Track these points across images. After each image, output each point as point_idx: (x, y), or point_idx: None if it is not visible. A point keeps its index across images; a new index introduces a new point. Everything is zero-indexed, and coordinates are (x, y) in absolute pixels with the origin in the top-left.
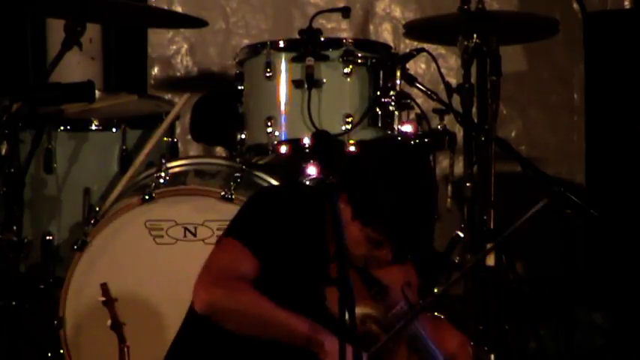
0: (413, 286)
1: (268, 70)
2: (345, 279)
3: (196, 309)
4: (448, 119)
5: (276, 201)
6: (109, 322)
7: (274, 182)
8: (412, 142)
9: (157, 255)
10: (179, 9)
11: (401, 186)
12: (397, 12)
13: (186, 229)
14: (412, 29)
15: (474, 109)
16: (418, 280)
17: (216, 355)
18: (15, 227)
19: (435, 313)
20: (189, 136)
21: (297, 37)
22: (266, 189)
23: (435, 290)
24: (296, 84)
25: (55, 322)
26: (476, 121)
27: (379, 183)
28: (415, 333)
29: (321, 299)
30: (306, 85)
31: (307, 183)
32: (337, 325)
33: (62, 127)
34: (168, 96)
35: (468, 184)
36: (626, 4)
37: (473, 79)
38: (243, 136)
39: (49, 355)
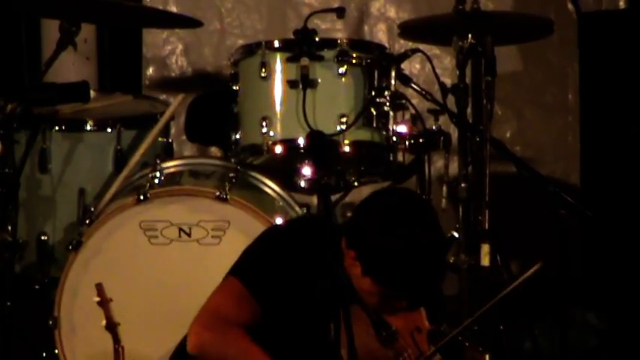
0: (423, 332)
1: (263, 70)
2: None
3: (187, 349)
4: (443, 119)
5: (285, 242)
6: (104, 322)
7: (269, 182)
8: (414, 195)
9: (152, 255)
10: (174, 9)
11: (407, 240)
12: (392, 12)
13: (180, 229)
14: (407, 29)
15: (468, 110)
16: (429, 325)
17: None
18: (10, 227)
19: (438, 358)
20: (184, 137)
21: (292, 37)
22: (276, 227)
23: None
24: (291, 84)
25: (50, 322)
26: (471, 121)
27: (383, 238)
28: None
29: (330, 343)
30: (300, 86)
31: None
32: None
33: (57, 128)
34: (163, 96)
35: (462, 185)
36: (621, 4)
37: (468, 80)
38: (237, 137)
39: (44, 355)
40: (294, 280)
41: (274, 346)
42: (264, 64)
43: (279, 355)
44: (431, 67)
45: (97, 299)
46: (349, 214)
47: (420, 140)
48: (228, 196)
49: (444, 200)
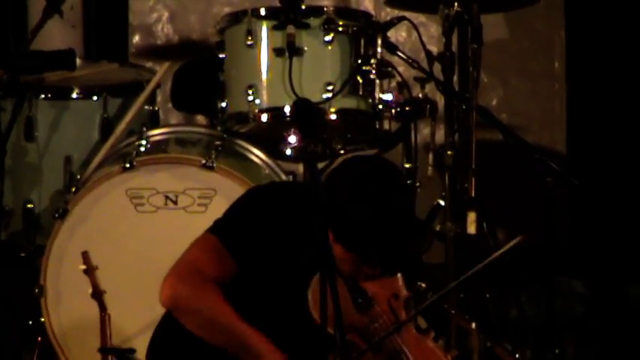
0: (400, 299)
1: (249, 38)
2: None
3: (160, 301)
4: (429, 87)
5: (266, 202)
6: (90, 290)
7: (255, 150)
8: (384, 163)
9: (138, 223)
10: None
11: (375, 207)
12: None
13: (167, 197)
14: None
15: (455, 78)
16: (407, 291)
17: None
18: None
19: (422, 326)
20: (170, 105)
21: (278, 5)
22: (258, 188)
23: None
24: (277, 52)
25: (36, 290)
26: (457, 89)
27: (352, 206)
28: (397, 349)
29: (304, 305)
30: (287, 54)
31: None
32: (318, 331)
33: (43, 96)
34: (149, 64)
35: (449, 152)
36: None
37: (454, 48)
38: (224, 105)
39: (30, 323)
40: (272, 240)
41: (247, 306)
42: (250, 32)
43: (251, 315)
44: (417, 35)
45: (83, 267)
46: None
47: (407, 108)
48: (215, 164)
49: (430, 168)
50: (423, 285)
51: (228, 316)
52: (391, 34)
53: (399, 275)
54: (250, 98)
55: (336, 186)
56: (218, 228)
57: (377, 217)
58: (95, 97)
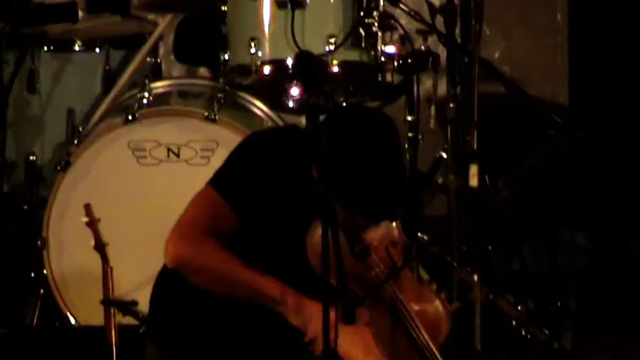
0: (398, 246)
1: None
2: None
3: (166, 263)
4: (431, 40)
5: (264, 150)
6: (92, 242)
7: (258, 103)
8: (377, 114)
9: (140, 175)
10: None
11: (361, 161)
12: None
13: (169, 149)
14: None
15: (457, 30)
16: (404, 239)
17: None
18: None
19: (424, 277)
20: (172, 57)
21: None
22: (255, 135)
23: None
24: (279, 4)
25: (38, 242)
26: (459, 41)
27: (334, 154)
28: (395, 299)
29: (303, 254)
30: (289, 6)
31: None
32: (317, 280)
33: (45, 48)
34: (151, 16)
35: (451, 105)
36: None
37: (456, 0)
38: (226, 57)
39: (32, 275)
40: (271, 189)
41: (247, 257)
42: None
43: (255, 265)
44: None
45: (86, 219)
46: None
47: (409, 61)
48: (217, 117)
49: (432, 121)
50: (425, 237)
51: (236, 267)
52: None
53: (395, 223)
54: (253, 51)
55: (325, 132)
56: (216, 180)
57: (358, 168)
58: (97, 50)
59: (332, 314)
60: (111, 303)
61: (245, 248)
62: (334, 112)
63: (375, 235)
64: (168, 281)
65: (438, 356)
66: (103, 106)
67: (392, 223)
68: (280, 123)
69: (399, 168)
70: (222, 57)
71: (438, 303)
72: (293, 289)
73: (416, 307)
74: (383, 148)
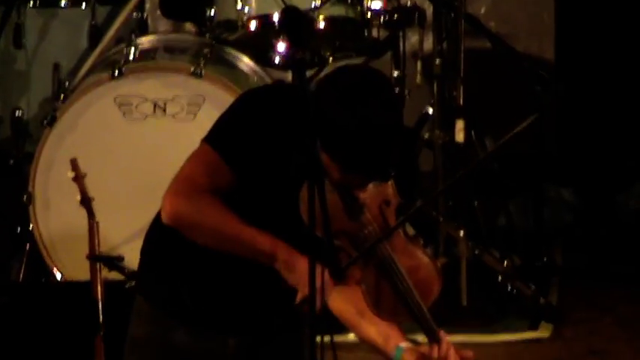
0: (392, 206)
1: None
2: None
3: (162, 220)
4: None
5: (261, 107)
6: (78, 197)
7: (244, 58)
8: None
9: (127, 130)
10: None
11: (359, 118)
12: None
13: (155, 104)
14: None
15: None
16: (398, 198)
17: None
18: None
19: (409, 233)
20: (158, 12)
21: None
22: (252, 92)
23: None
24: None
25: (25, 197)
26: None
27: (337, 115)
28: (386, 256)
29: (297, 209)
30: None
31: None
32: (309, 236)
33: (32, 3)
34: None
35: (437, 61)
36: None
37: None
38: (212, 12)
39: (18, 230)
40: (268, 146)
41: (246, 214)
42: None
43: (251, 222)
44: None
45: (72, 174)
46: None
47: (395, 16)
48: (203, 72)
49: (418, 76)
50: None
51: (232, 223)
52: None
53: (390, 182)
54: (239, 6)
55: (325, 92)
56: (212, 137)
57: (360, 128)
58: (84, 5)
59: (326, 275)
60: (97, 258)
61: (241, 205)
62: (335, 72)
63: (370, 194)
64: (159, 233)
65: (428, 316)
66: (90, 62)
67: (386, 182)
68: (266, 78)
69: (398, 128)
70: (208, 12)
71: (430, 263)
72: (289, 246)
73: (407, 267)
74: (384, 106)
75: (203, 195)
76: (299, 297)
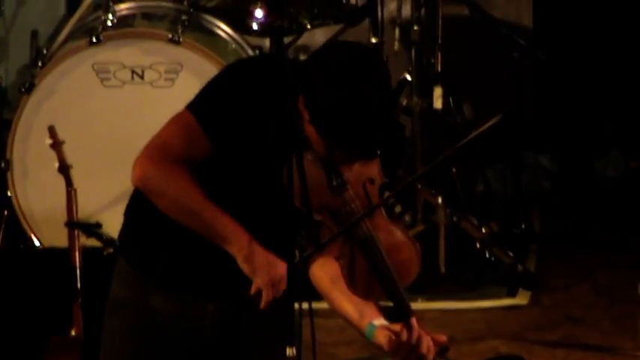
0: (376, 184)
1: None
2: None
3: (131, 181)
4: None
5: (246, 78)
6: (56, 164)
7: (222, 25)
8: (370, 53)
9: (105, 97)
10: None
11: (350, 94)
12: None
13: (133, 71)
14: None
15: None
16: (383, 177)
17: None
18: None
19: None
20: None
21: None
22: (239, 62)
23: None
24: None
25: (2, 164)
26: None
27: (328, 90)
28: (367, 235)
29: (279, 182)
30: None
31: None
32: (289, 210)
33: None
34: None
35: (415, 27)
36: None
37: None
38: None
39: None
40: (249, 118)
41: (221, 185)
42: None
43: (225, 193)
44: None
45: (50, 141)
46: (302, 58)
47: None
48: (181, 39)
49: (396, 43)
50: (401, 171)
51: (196, 199)
52: None
53: (375, 161)
54: None
55: (316, 66)
56: (193, 105)
57: (350, 105)
58: None
59: (283, 268)
60: (75, 225)
61: (216, 175)
62: (327, 47)
63: (354, 171)
64: (142, 196)
65: (404, 297)
66: (67, 28)
67: (372, 161)
68: (245, 45)
69: (389, 107)
70: None
71: (410, 244)
72: (249, 235)
73: (388, 247)
74: (375, 85)
75: (174, 164)
76: (253, 288)
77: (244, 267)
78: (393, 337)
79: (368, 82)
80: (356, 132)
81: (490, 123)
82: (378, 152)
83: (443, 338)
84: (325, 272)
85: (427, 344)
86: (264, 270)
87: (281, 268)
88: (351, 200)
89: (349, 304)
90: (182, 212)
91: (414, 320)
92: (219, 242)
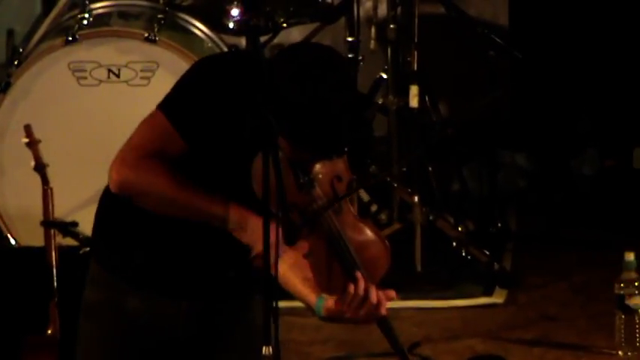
0: (344, 181)
1: None
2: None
3: (110, 188)
4: None
5: (216, 75)
6: (33, 163)
7: (198, 24)
8: (335, 55)
9: (81, 96)
10: None
11: (312, 100)
12: None
13: (109, 70)
14: None
15: None
16: (350, 174)
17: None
18: None
19: (364, 199)
20: None
21: None
22: (208, 58)
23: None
24: None
25: None
26: None
27: (287, 91)
28: (336, 233)
29: (249, 181)
30: None
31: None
32: (261, 207)
33: None
34: None
35: (391, 26)
36: None
37: None
38: None
39: None
40: (220, 115)
41: (198, 184)
42: None
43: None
44: None
45: (26, 140)
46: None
47: None
48: (157, 38)
49: (372, 41)
50: (374, 167)
51: (178, 187)
52: None
53: (344, 158)
54: None
55: (279, 68)
56: (165, 104)
57: (309, 105)
58: None
59: (274, 233)
60: (51, 224)
61: (194, 174)
62: (291, 48)
63: (322, 168)
64: (111, 198)
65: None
66: (43, 27)
67: (340, 158)
68: (221, 44)
69: (350, 108)
70: None
71: (379, 241)
72: (240, 205)
73: (356, 244)
74: (336, 86)
75: (150, 161)
76: (253, 253)
77: (243, 236)
78: (341, 299)
79: (327, 83)
80: (314, 132)
81: (489, 98)
82: (345, 150)
83: (392, 294)
84: (294, 273)
85: (376, 294)
86: (260, 234)
87: (278, 232)
88: (319, 198)
89: (300, 282)
90: (171, 206)
91: (359, 273)
92: (215, 223)
